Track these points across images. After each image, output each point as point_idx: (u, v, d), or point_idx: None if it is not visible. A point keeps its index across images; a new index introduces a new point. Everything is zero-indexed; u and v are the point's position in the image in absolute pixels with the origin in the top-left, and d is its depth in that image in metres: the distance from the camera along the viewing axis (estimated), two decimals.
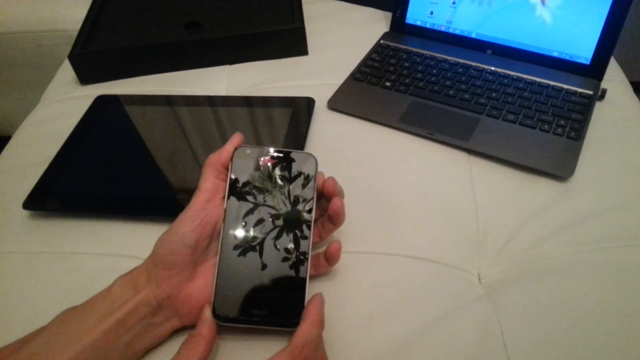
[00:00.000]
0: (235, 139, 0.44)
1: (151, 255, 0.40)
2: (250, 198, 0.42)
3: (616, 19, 0.63)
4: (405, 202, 0.54)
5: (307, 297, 0.40)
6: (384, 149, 0.60)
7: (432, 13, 0.74)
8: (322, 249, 0.44)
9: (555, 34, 0.67)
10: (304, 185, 0.42)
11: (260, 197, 0.42)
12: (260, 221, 0.41)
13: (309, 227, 0.42)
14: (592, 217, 0.52)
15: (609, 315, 0.43)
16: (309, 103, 0.65)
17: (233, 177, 0.42)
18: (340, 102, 0.66)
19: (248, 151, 0.43)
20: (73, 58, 0.72)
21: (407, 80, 0.68)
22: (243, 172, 0.42)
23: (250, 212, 0.41)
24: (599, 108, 0.64)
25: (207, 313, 0.39)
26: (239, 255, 0.40)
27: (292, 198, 0.42)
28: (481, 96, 0.65)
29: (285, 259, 0.41)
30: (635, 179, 0.55)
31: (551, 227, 0.51)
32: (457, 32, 0.73)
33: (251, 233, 0.41)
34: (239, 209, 0.41)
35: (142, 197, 0.54)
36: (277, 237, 0.41)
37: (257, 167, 0.43)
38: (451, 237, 0.51)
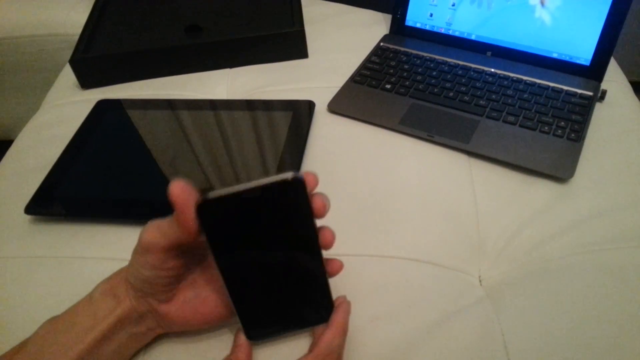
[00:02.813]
0: (182, 196, 0.33)
1: (127, 272, 0.37)
2: (242, 249, 0.35)
3: (616, 20, 0.63)
4: (405, 205, 0.54)
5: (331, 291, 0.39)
6: (384, 152, 0.60)
7: (431, 15, 0.74)
8: None
9: (554, 35, 0.67)
10: (297, 212, 0.35)
11: (254, 243, 0.36)
12: (263, 263, 0.36)
13: (315, 248, 0.37)
14: (593, 218, 0.52)
15: (609, 316, 0.43)
16: (309, 106, 0.65)
17: (211, 235, 0.34)
18: (341, 105, 0.66)
19: (216, 197, 0.33)
20: (74, 62, 0.72)
21: (407, 83, 0.68)
22: (221, 226, 0.34)
23: (247, 261, 0.36)
24: (599, 109, 0.64)
25: (242, 338, 0.39)
26: (251, 288, 0.37)
27: (289, 230, 0.36)
28: (481, 98, 0.65)
29: (298, 272, 0.38)
30: (636, 180, 0.55)
31: (552, 228, 0.51)
32: (457, 34, 0.73)
33: (256, 276, 0.37)
34: (233, 264, 0.36)
35: (143, 201, 0.54)
36: (286, 267, 0.37)
37: (237, 213, 0.34)
38: (452, 240, 0.51)
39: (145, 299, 0.37)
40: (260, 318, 0.39)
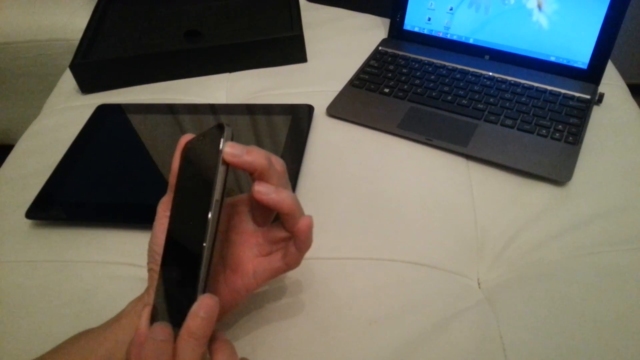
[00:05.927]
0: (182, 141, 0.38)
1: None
2: (178, 195, 0.37)
3: (613, 23, 0.63)
4: (404, 208, 0.54)
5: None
6: (382, 155, 0.60)
7: (429, 19, 0.74)
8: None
9: (552, 38, 0.67)
10: (211, 165, 0.34)
11: (183, 190, 0.37)
12: (179, 217, 0.36)
13: (206, 211, 0.33)
14: (591, 221, 0.52)
15: (608, 319, 0.44)
16: (308, 110, 0.65)
17: (179, 180, 0.37)
18: (339, 109, 0.66)
19: (189, 145, 0.38)
20: (74, 67, 0.72)
21: (406, 87, 0.68)
22: (186, 168, 0.37)
23: (175, 211, 0.37)
24: (596, 112, 0.64)
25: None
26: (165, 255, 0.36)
27: (202, 182, 0.35)
28: (479, 101, 0.65)
29: (184, 254, 0.34)
30: (633, 183, 0.55)
31: (550, 231, 0.51)
32: (455, 38, 0.73)
33: (172, 232, 0.36)
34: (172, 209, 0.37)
35: (143, 206, 0.54)
36: (184, 232, 0.35)
37: (195, 159, 0.37)
38: (450, 243, 0.51)
39: None
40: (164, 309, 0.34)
